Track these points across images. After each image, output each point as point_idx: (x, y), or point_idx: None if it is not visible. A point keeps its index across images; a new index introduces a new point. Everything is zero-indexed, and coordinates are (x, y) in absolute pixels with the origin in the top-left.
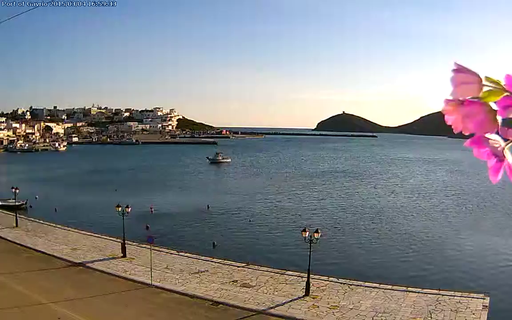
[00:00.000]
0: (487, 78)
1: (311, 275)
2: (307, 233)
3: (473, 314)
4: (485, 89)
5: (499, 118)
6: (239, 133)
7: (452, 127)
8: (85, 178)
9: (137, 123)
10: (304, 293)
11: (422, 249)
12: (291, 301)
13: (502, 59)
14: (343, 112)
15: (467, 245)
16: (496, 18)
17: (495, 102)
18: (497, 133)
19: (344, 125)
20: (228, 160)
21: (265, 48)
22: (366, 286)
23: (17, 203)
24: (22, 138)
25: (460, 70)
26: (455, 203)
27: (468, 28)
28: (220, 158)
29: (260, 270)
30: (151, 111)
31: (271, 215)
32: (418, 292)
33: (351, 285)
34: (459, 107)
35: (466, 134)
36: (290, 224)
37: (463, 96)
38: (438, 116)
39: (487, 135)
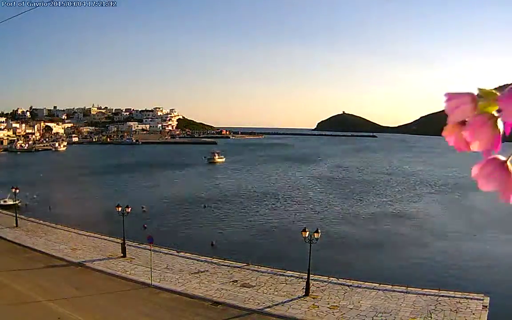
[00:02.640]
0: (481, 90)
1: (311, 275)
2: (307, 233)
3: (473, 314)
4: (480, 102)
5: (500, 125)
6: (239, 133)
7: (455, 147)
8: (85, 178)
9: (137, 123)
10: (304, 293)
11: (422, 249)
12: (291, 301)
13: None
14: (343, 112)
15: (467, 245)
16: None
17: (496, 111)
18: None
19: (344, 125)
20: (223, 159)
21: (265, 48)
22: (366, 286)
23: (10, 202)
24: (22, 138)
25: (451, 97)
26: (455, 203)
27: (468, 27)
28: (216, 157)
29: (260, 270)
30: (151, 111)
31: (271, 215)
32: (418, 292)
33: (351, 285)
34: (458, 125)
35: (471, 150)
36: (290, 224)
37: (460, 118)
38: (437, 117)
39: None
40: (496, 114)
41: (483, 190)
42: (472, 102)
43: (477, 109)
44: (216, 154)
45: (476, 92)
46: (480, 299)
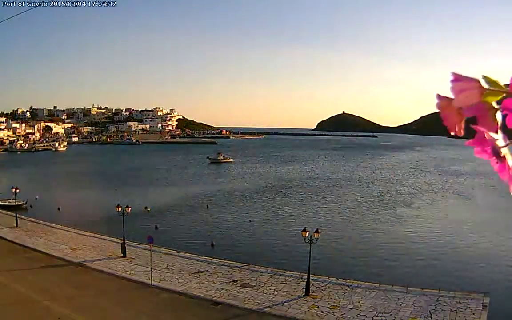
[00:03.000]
0: (485, 78)
1: (311, 275)
2: (307, 233)
3: (473, 314)
4: (485, 91)
5: (499, 117)
6: (239, 133)
7: (448, 128)
8: (85, 178)
9: (137, 123)
10: (304, 293)
11: (422, 249)
12: (291, 301)
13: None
14: (343, 112)
15: (467, 245)
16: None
17: (497, 103)
18: (497, 131)
19: (344, 125)
20: (230, 160)
21: (265, 48)
22: (366, 286)
23: (17, 203)
24: (22, 138)
25: (458, 79)
26: (455, 203)
27: (468, 26)
28: (221, 158)
29: (260, 270)
30: (151, 111)
31: (271, 215)
32: (418, 292)
33: (351, 285)
34: (457, 109)
35: (461, 135)
36: (290, 224)
37: (465, 104)
38: (437, 116)
39: (488, 134)
40: (495, 106)
41: (478, 157)
42: (479, 89)
43: (482, 97)
44: (220, 154)
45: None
46: (480, 299)
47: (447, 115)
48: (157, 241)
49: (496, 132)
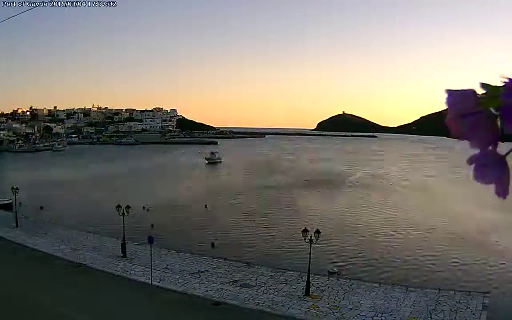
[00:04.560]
0: (484, 85)
1: (311, 275)
2: (308, 233)
3: (473, 314)
4: (481, 97)
5: (498, 122)
6: (240, 133)
7: (454, 135)
8: (85, 178)
9: (137, 123)
10: (304, 293)
11: (422, 249)
12: (291, 301)
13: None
14: (343, 112)
15: (467, 245)
16: None
17: (496, 109)
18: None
19: (344, 125)
20: (220, 160)
21: (265, 48)
22: (366, 286)
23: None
24: (22, 138)
25: (452, 93)
26: (455, 203)
27: (468, 27)
28: (215, 157)
29: (260, 270)
30: (151, 111)
31: (271, 215)
32: (418, 292)
33: (351, 285)
34: (459, 117)
35: (464, 140)
36: (290, 224)
37: (462, 112)
38: (437, 117)
39: (486, 152)
40: (495, 112)
41: (477, 182)
42: (472, 99)
43: (478, 105)
44: (215, 154)
45: (478, 87)
46: (480, 299)
47: (453, 125)
48: (157, 241)
49: (496, 138)
